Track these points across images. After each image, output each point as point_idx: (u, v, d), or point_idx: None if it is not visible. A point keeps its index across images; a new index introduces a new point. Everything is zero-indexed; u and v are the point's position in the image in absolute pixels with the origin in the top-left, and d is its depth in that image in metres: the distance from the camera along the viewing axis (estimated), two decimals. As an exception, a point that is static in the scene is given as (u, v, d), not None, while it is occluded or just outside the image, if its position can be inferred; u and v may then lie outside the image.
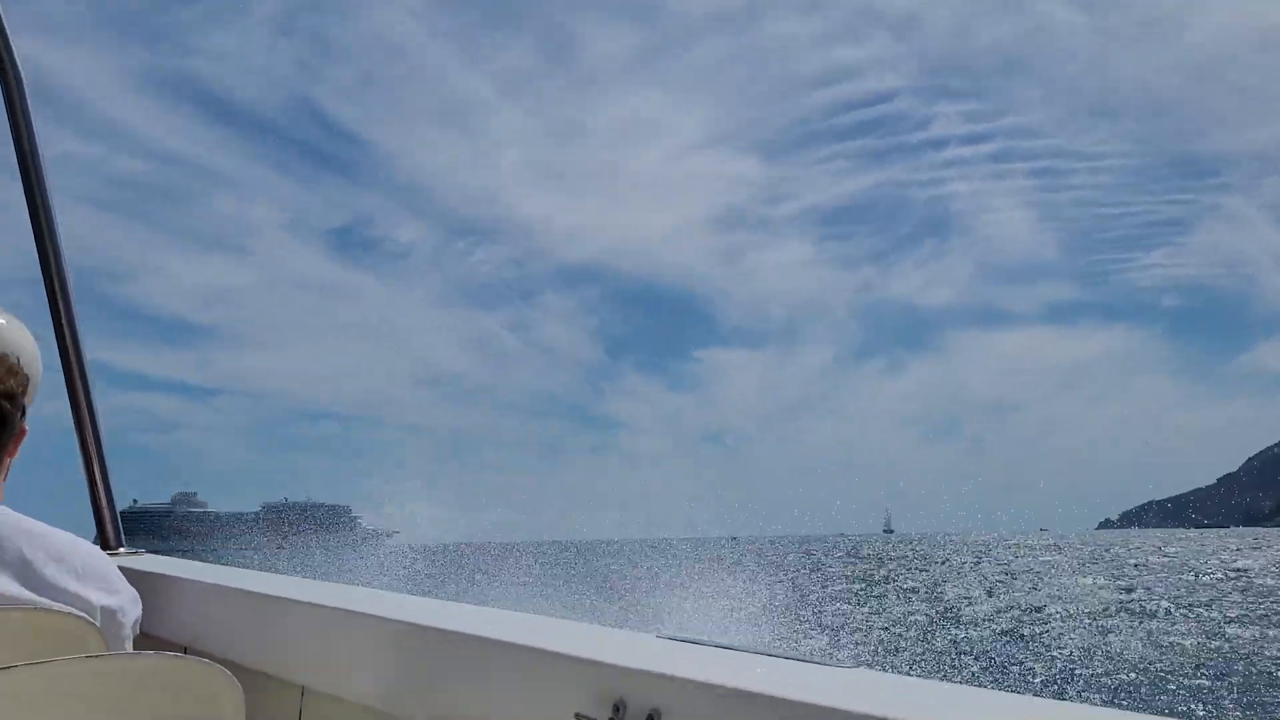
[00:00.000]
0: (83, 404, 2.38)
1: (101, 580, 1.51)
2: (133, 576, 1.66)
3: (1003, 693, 0.96)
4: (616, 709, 1.13)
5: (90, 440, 2.40)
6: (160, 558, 2.25)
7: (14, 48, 2.16)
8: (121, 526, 2.43)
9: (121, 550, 2.40)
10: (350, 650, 1.56)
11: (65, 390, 2.38)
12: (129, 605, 1.56)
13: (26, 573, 1.41)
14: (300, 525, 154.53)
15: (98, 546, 1.64)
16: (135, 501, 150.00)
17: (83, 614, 1.40)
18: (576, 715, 1.14)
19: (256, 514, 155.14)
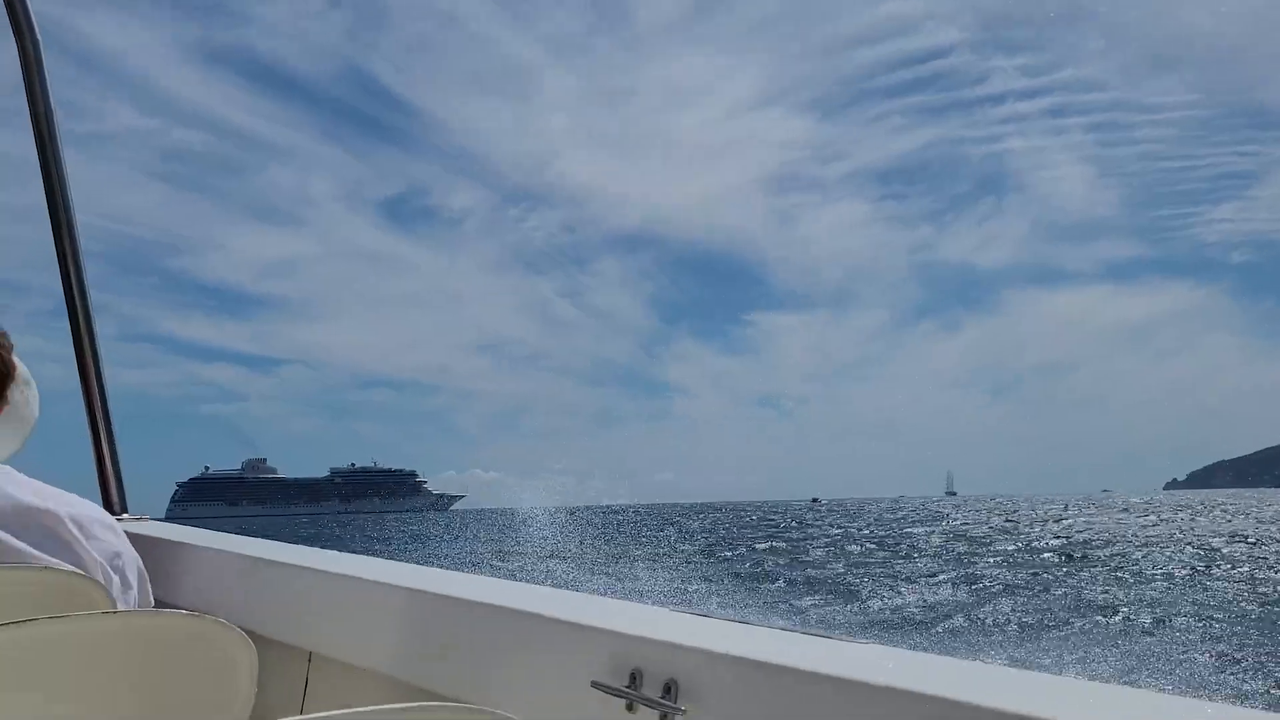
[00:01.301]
0: (90, 365, 2.35)
1: (102, 542, 1.49)
2: (138, 542, 1.65)
3: (1013, 668, 0.97)
4: (633, 678, 1.12)
5: (96, 402, 2.36)
6: (165, 524, 2.22)
7: (32, 13, 2.17)
8: (126, 491, 2.41)
9: (126, 515, 2.36)
10: (359, 617, 1.55)
11: (74, 358, 2.34)
12: (130, 570, 1.54)
13: (24, 531, 1.39)
14: (368, 490, 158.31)
15: (102, 508, 1.64)
16: (207, 468, 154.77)
17: (88, 574, 1.38)
18: (593, 684, 1.13)
19: (325, 479, 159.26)
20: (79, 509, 1.50)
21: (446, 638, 1.39)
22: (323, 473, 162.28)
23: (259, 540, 2.01)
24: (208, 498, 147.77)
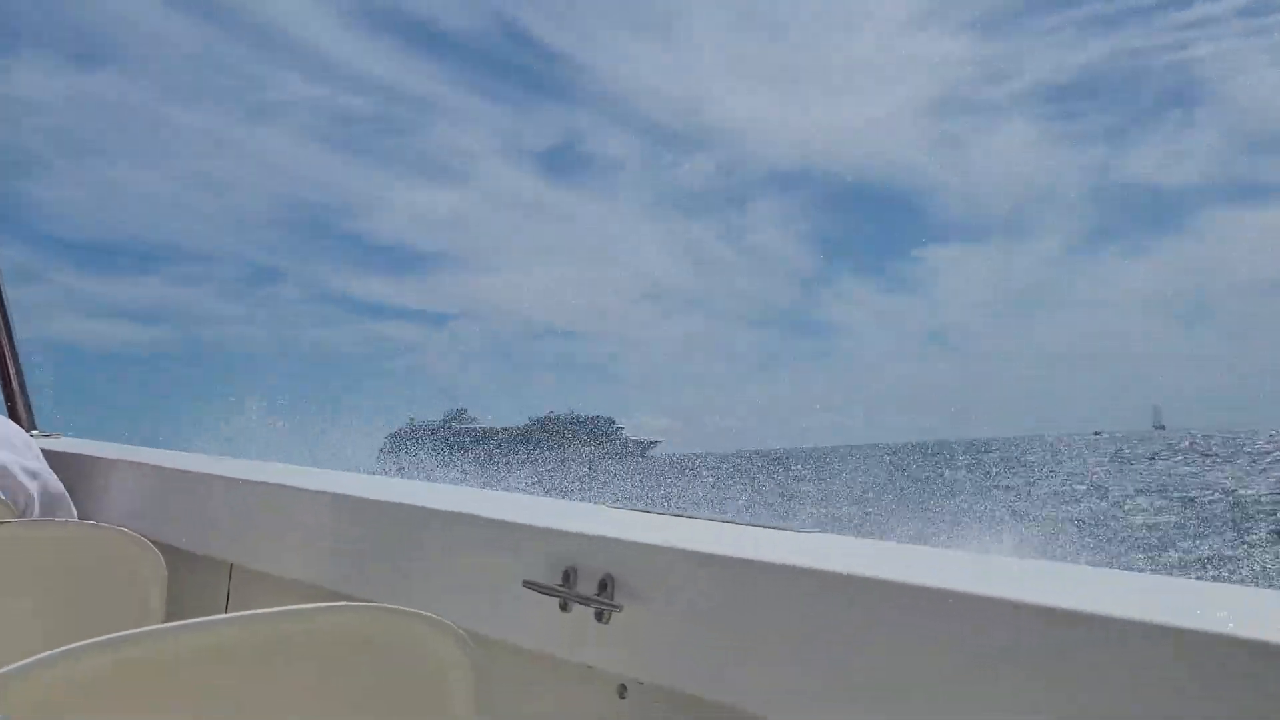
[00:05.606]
0: None
1: (15, 461, 1.49)
2: (52, 459, 1.70)
3: (953, 550, 0.96)
4: (567, 576, 1.09)
5: None
6: (79, 440, 2.23)
7: None
8: (32, 405, 2.41)
9: (35, 432, 2.36)
10: (281, 527, 1.52)
11: None
12: (47, 488, 1.56)
13: None
14: (566, 437, 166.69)
15: (14, 425, 1.67)
16: (412, 419, 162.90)
17: None
18: (525, 583, 1.09)
19: (525, 427, 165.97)
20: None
21: (371, 544, 1.36)
22: (522, 421, 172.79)
23: (175, 452, 2.01)
24: (414, 449, 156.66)
